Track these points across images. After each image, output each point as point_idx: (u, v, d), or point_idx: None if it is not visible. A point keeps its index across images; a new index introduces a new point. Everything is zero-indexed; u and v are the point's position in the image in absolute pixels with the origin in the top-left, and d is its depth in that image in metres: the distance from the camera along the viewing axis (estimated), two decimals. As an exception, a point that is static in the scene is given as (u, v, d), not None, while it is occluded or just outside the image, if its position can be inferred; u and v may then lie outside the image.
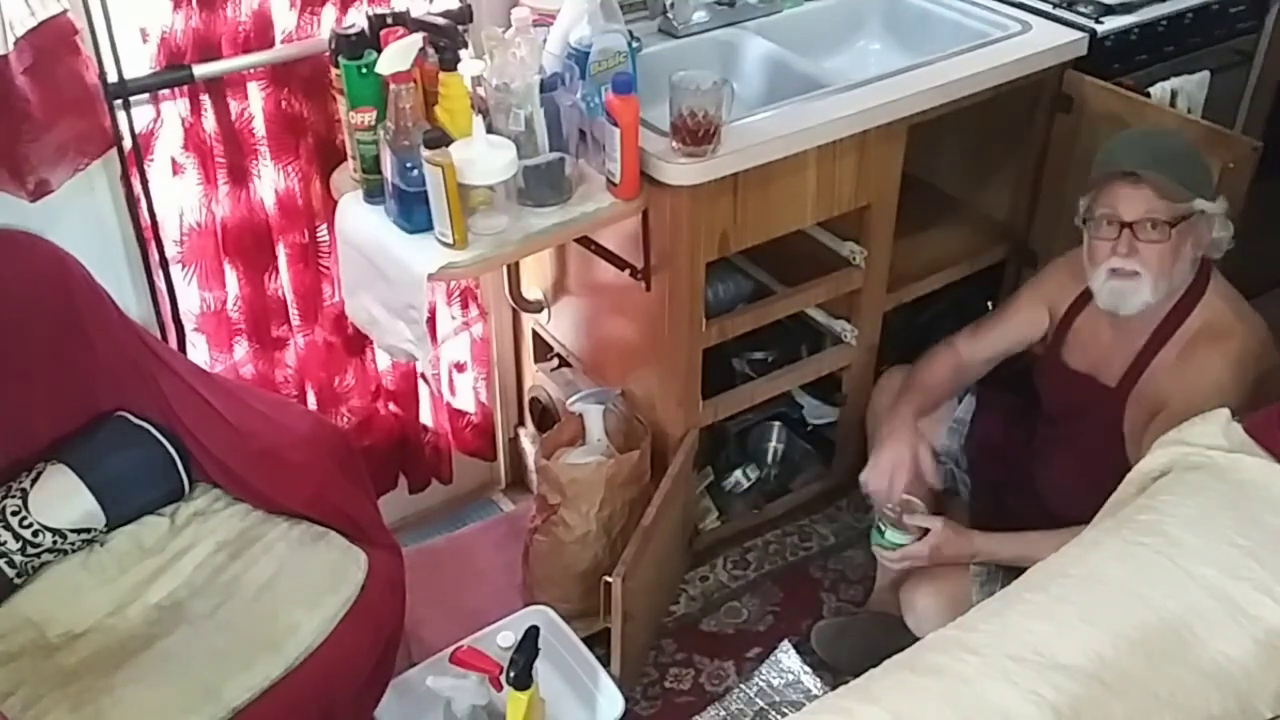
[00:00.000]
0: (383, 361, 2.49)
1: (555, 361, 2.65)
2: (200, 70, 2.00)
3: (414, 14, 2.06)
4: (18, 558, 1.90)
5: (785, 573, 2.61)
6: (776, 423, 2.72)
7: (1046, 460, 2.23)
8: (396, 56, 1.89)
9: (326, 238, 2.26)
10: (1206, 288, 2.00)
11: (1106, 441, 2.06)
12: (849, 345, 2.51)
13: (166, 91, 2.02)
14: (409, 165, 1.85)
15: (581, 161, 2.04)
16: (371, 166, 1.95)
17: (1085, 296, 2.10)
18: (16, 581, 1.91)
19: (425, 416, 2.62)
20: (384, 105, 1.89)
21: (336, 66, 1.96)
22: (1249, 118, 2.85)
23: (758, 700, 2.27)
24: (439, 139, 1.81)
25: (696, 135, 1.97)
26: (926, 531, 2.12)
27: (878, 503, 2.23)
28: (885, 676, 1.53)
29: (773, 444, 2.74)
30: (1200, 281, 2.00)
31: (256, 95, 2.10)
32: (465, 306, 2.56)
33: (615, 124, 1.91)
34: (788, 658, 2.33)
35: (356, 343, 2.41)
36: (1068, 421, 2.19)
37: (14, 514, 1.91)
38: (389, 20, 2.01)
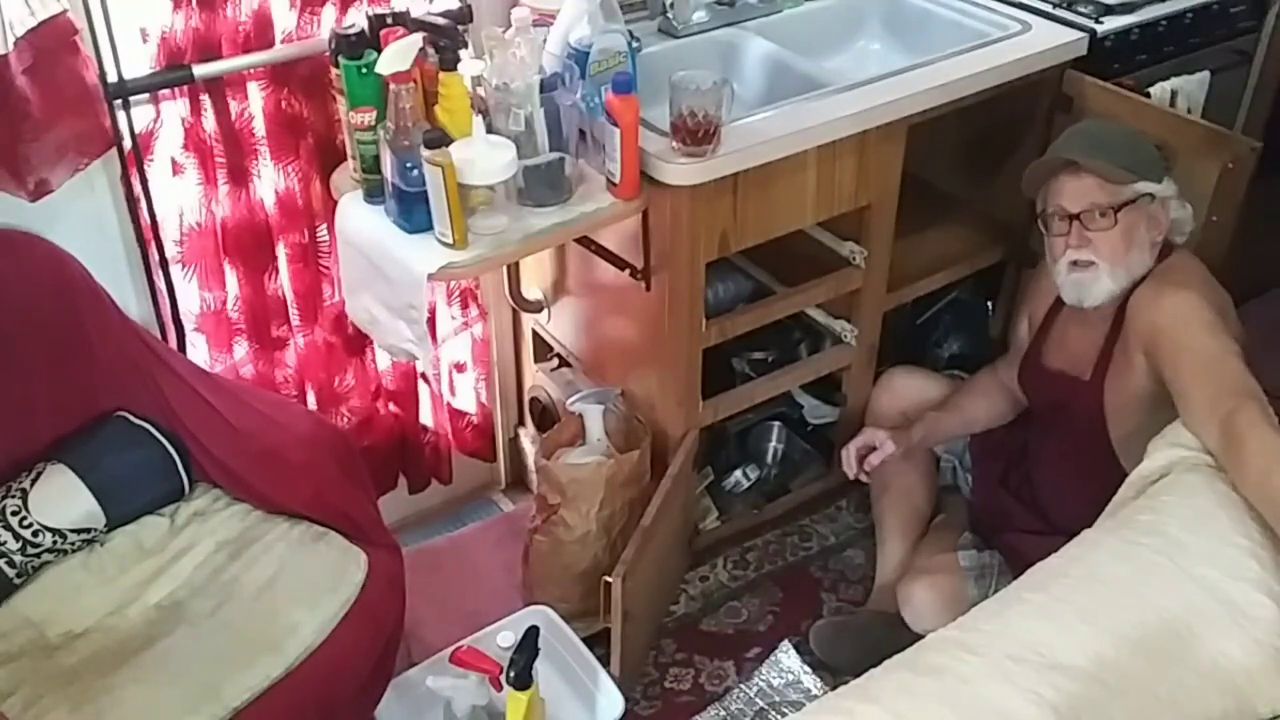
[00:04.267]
0: (383, 361, 2.49)
1: (555, 361, 2.64)
2: (200, 70, 2.00)
3: (414, 14, 2.06)
4: (18, 558, 1.90)
5: (785, 573, 2.61)
6: (776, 423, 2.72)
7: (1037, 459, 2.24)
8: (396, 56, 1.89)
9: (326, 238, 2.26)
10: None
11: (1090, 435, 2.07)
12: (849, 345, 2.51)
13: (166, 91, 2.02)
14: (409, 165, 1.85)
15: (581, 161, 2.04)
16: (371, 166, 1.95)
17: (1060, 301, 2.12)
18: (16, 581, 1.91)
19: (425, 417, 2.62)
20: (384, 105, 1.89)
21: (336, 66, 1.96)
22: (1249, 118, 2.85)
23: (758, 700, 2.27)
24: (439, 139, 1.81)
25: (696, 135, 1.97)
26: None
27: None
28: (885, 676, 1.53)
29: (773, 444, 2.73)
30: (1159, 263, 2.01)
31: (256, 95, 2.10)
32: (465, 306, 2.56)
33: (615, 124, 1.91)
34: (788, 658, 2.33)
35: (357, 343, 2.41)
36: (1052, 420, 2.20)
37: (14, 514, 1.91)
38: (389, 20, 2.01)
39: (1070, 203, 1.97)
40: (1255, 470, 1.62)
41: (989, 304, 2.82)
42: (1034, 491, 2.23)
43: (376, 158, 1.92)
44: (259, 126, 2.12)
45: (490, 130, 1.90)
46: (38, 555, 1.93)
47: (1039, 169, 2.04)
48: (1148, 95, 2.43)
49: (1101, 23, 2.46)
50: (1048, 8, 2.50)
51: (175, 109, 2.04)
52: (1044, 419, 2.24)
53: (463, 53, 1.97)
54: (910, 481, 2.45)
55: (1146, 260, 2.00)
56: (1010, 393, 2.33)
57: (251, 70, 2.06)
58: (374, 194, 1.98)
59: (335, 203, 2.09)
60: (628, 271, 2.18)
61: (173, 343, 2.19)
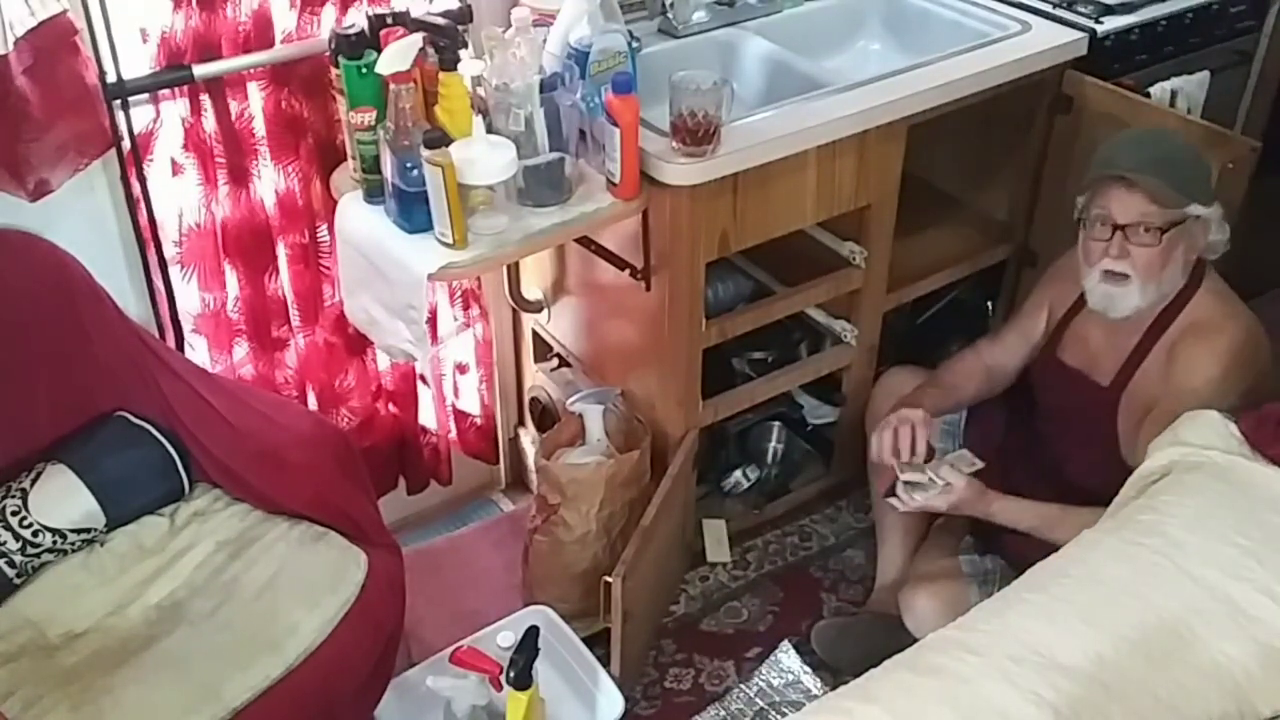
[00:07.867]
0: (383, 362, 2.49)
1: (555, 361, 2.64)
2: (200, 70, 2.00)
3: (414, 14, 2.06)
4: (18, 558, 1.90)
5: (785, 573, 2.61)
6: (776, 423, 2.72)
7: (1052, 456, 2.23)
8: (396, 56, 1.89)
9: (326, 238, 2.26)
10: (1199, 288, 2.00)
11: (1102, 439, 2.06)
12: (849, 345, 2.51)
13: (166, 91, 2.01)
14: (409, 165, 1.85)
15: (581, 161, 2.04)
16: (371, 166, 1.95)
17: (1084, 298, 2.10)
18: (16, 581, 1.91)
19: (425, 418, 2.62)
20: (384, 105, 1.89)
21: (336, 66, 1.96)
22: (1249, 118, 2.86)
23: (758, 700, 2.27)
24: (439, 139, 1.81)
25: (696, 135, 1.97)
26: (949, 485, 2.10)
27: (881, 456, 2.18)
28: (885, 676, 1.53)
29: (773, 444, 2.73)
30: (1193, 282, 2.01)
31: (256, 95, 2.10)
32: (466, 307, 2.56)
33: (615, 124, 1.91)
34: (788, 658, 2.33)
35: (357, 343, 2.40)
36: (1063, 419, 2.19)
37: (14, 514, 1.91)
38: (389, 20, 2.01)
39: (1120, 214, 1.92)
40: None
41: (989, 304, 2.82)
42: (1042, 491, 2.21)
43: (376, 158, 1.92)
44: (259, 126, 2.12)
45: (490, 130, 1.90)
46: (38, 555, 1.93)
47: (1093, 173, 1.99)
48: (1148, 95, 2.43)
49: (1101, 23, 2.46)
50: (1048, 8, 2.50)
51: (175, 109, 2.04)
52: (1053, 418, 2.23)
53: (463, 53, 1.97)
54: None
55: (1178, 280, 1.99)
56: (991, 376, 2.30)
57: (251, 70, 2.06)
58: (374, 194, 1.98)
59: (335, 203, 2.09)
60: (628, 271, 2.18)
61: (171, 343, 2.19)
